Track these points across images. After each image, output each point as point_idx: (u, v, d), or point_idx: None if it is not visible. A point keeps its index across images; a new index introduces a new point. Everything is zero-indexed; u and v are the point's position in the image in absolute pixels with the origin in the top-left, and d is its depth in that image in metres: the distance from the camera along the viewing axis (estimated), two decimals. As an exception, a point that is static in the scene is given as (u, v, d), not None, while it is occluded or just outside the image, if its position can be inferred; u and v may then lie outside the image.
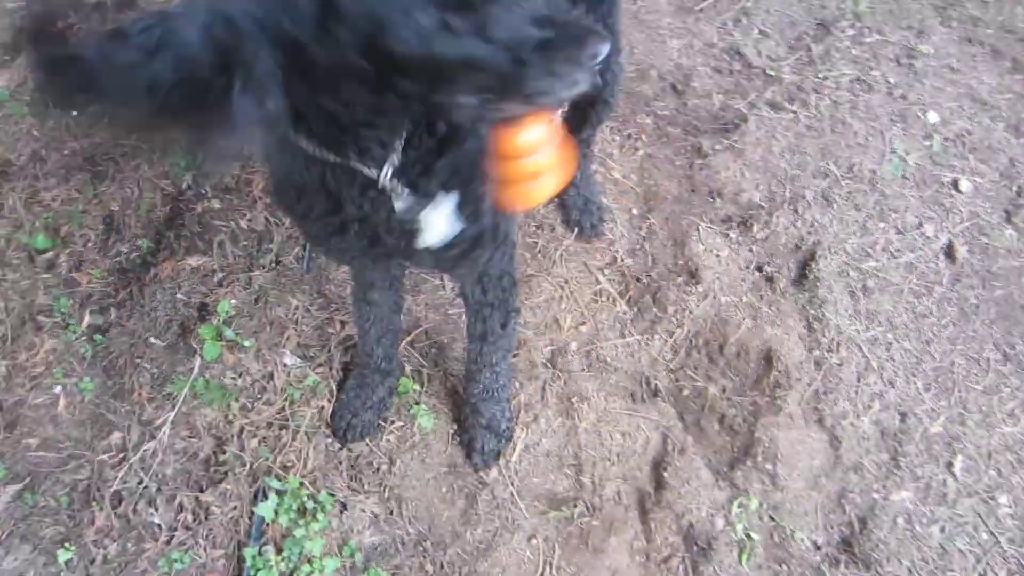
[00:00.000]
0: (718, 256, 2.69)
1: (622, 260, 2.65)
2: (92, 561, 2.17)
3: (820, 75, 3.33)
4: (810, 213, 2.82)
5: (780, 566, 2.09)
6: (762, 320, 2.52)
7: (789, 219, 2.79)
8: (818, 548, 2.14)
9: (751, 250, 2.71)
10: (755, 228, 2.76)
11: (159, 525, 2.20)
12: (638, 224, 2.77)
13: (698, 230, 2.74)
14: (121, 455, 2.31)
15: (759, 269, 2.67)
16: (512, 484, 2.19)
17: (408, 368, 2.34)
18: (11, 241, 2.78)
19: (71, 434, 2.37)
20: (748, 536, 2.12)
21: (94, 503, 2.24)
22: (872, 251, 2.73)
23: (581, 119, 2.34)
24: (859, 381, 2.40)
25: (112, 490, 2.25)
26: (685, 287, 2.56)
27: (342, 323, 2.44)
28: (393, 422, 2.27)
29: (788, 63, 3.42)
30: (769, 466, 2.21)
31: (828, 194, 2.89)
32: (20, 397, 2.44)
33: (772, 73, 3.36)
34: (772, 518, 2.17)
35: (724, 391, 2.36)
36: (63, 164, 3.03)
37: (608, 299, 2.54)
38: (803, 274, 2.64)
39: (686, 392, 2.38)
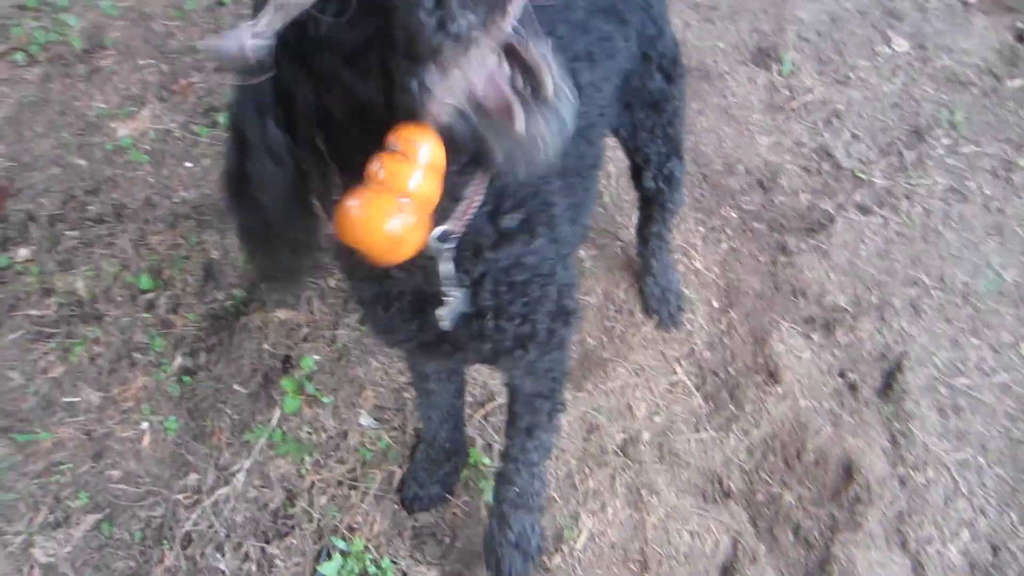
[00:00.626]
0: (799, 358, 2.60)
1: (700, 352, 2.58)
2: (156, 601, 2.16)
3: (912, 182, 3.25)
4: (898, 322, 2.71)
5: None
6: (843, 429, 2.41)
7: (875, 326, 2.69)
8: None
9: (833, 354, 2.62)
10: (838, 332, 2.67)
11: (224, 572, 2.19)
12: (718, 317, 2.71)
13: (779, 329, 2.66)
14: (196, 497, 2.32)
15: (841, 375, 2.57)
16: (574, 573, 2.11)
17: (480, 441, 2.31)
18: (118, 279, 2.88)
19: (151, 470, 2.40)
20: (818, 657, 1.98)
21: (165, 542, 2.25)
22: (964, 368, 2.60)
23: (646, 219, 2.43)
24: (947, 505, 2.26)
25: (183, 531, 2.26)
26: (764, 386, 2.48)
27: (420, 390, 2.43)
28: (461, 496, 2.23)
29: (879, 167, 3.35)
30: (845, 585, 2.08)
31: (917, 304, 2.78)
32: (109, 429, 2.49)
33: (862, 176, 3.30)
34: (845, 641, 2.03)
35: (800, 500, 2.25)
36: (172, 211, 3.15)
37: (684, 391, 2.48)
38: (888, 385, 2.52)
39: (760, 496, 2.27)
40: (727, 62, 3.85)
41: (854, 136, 3.53)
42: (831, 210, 3.14)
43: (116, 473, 2.40)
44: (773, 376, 2.51)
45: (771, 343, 2.61)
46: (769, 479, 2.30)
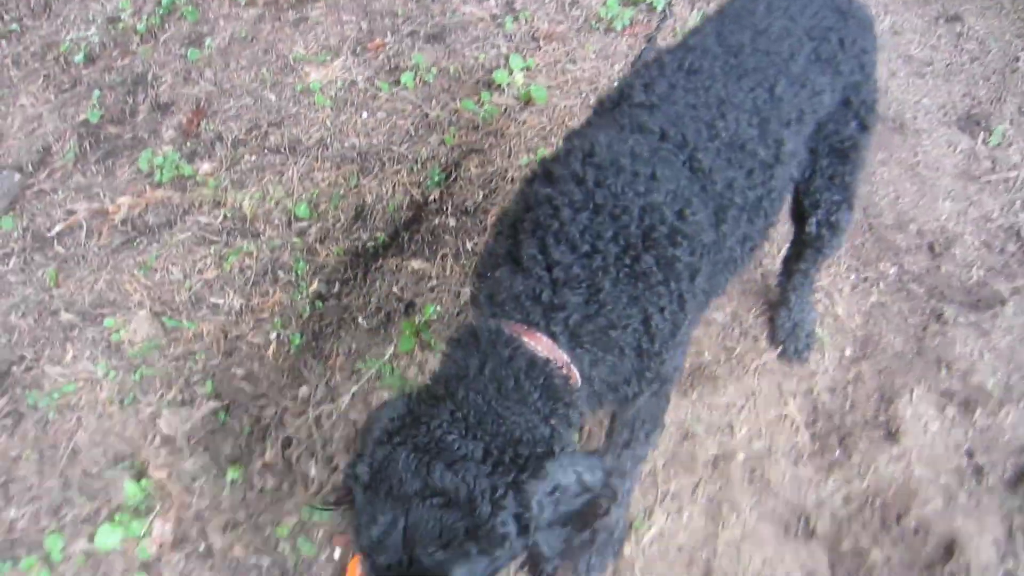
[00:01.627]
0: (926, 427, 2.62)
1: (819, 394, 2.66)
2: (252, 488, 2.50)
3: (1107, 280, 3.16)
4: (1048, 419, 2.67)
5: None
6: (955, 507, 2.42)
7: (1021, 418, 2.67)
8: None
9: (965, 434, 2.62)
10: (977, 413, 2.66)
11: (313, 478, 2.50)
12: (848, 366, 2.78)
13: (912, 393, 2.69)
14: (303, 408, 2.66)
15: (969, 455, 2.57)
16: (637, 563, 2.26)
17: (574, 418, 2.50)
18: (279, 204, 3.31)
19: (270, 376, 2.76)
20: None
21: (268, 440, 2.59)
22: (1111, 481, 2.53)
23: (796, 255, 2.52)
24: (1051, 610, 2.23)
25: (286, 434, 2.59)
26: (880, 443, 2.52)
27: (527, 358, 2.66)
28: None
29: (1072, 260, 3.28)
30: (914, 656, 2.11)
31: (1077, 408, 2.72)
32: (242, 332, 2.89)
33: (1051, 265, 3.23)
34: None
35: (888, 560, 2.29)
36: (341, 154, 3.57)
37: (791, 426, 2.57)
38: (1020, 478, 2.50)
39: (845, 546, 2.33)
40: (927, 120, 3.87)
41: (1053, 223, 3.46)
42: (1004, 292, 3.11)
43: (240, 371, 2.78)
44: (892, 436, 2.55)
45: (899, 405, 2.64)
46: (860, 532, 2.35)
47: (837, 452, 2.51)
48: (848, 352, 2.84)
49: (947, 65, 4.18)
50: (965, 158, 3.71)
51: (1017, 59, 4.14)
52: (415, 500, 1.26)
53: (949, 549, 2.32)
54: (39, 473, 2.52)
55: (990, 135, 3.79)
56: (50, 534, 2.38)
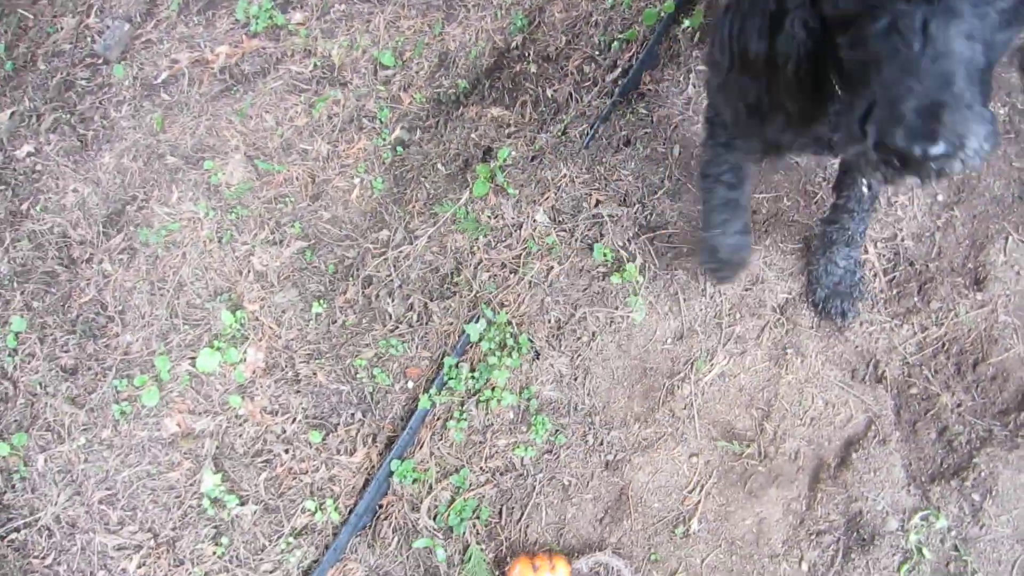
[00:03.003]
0: (1019, 274, 2.38)
1: (902, 240, 2.45)
2: (334, 322, 2.56)
3: None
4: None
5: (941, 595, 1.92)
6: (1040, 355, 2.22)
7: None
8: (996, 601, 1.92)
9: (1062, 282, 2.37)
10: (1079, 261, 2.39)
11: (390, 314, 2.53)
12: (938, 212, 2.53)
13: (1006, 239, 2.44)
14: (383, 250, 2.66)
15: (1063, 304, 2.33)
16: (696, 402, 2.21)
17: (639, 260, 2.41)
18: (366, 52, 3.22)
19: (353, 219, 2.77)
20: (919, 550, 1.96)
21: (350, 278, 2.62)
22: None
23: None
24: None
25: (366, 273, 2.61)
26: (962, 289, 2.32)
27: (598, 201, 2.56)
28: (611, 303, 2.37)
29: None
30: (976, 496, 2.00)
31: None
32: (328, 177, 2.89)
33: None
34: (956, 548, 1.97)
35: (959, 406, 2.15)
36: (426, 1, 3.40)
37: (870, 271, 2.39)
38: (1118, 327, 2.26)
39: (914, 391, 2.19)
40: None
41: None
42: None
43: (326, 214, 2.80)
44: (978, 283, 2.34)
45: (990, 251, 2.41)
46: (931, 378, 2.20)
47: (915, 299, 2.33)
48: (940, 198, 2.58)
49: None
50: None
51: None
52: None
53: (1027, 397, 2.15)
54: (150, 303, 2.65)
55: None
56: (159, 356, 2.53)
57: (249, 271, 2.66)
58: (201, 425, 2.44)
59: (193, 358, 2.50)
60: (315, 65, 3.23)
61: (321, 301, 2.55)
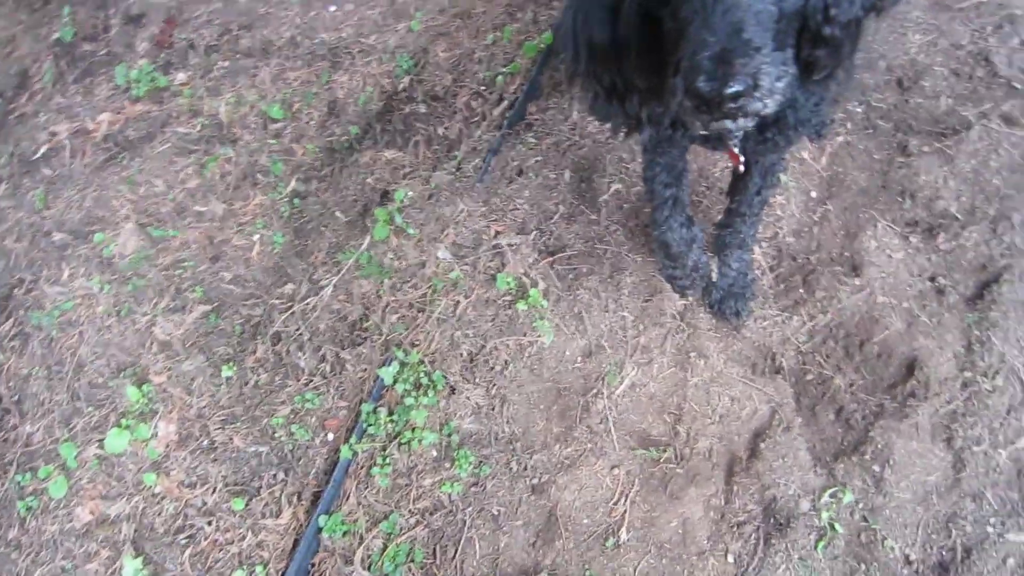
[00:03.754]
0: (890, 257, 2.56)
1: (784, 237, 2.60)
2: (246, 383, 2.53)
3: (1075, 96, 3.00)
4: (1011, 236, 2.59)
5: (859, 564, 2.02)
6: (917, 329, 2.38)
7: (983, 236, 2.59)
8: (909, 562, 2.04)
9: (929, 259, 2.56)
10: (940, 238, 2.59)
11: (303, 368, 2.52)
12: (813, 208, 2.70)
13: (875, 226, 2.62)
14: (289, 303, 2.66)
15: (932, 279, 2.51)
16: (611, 415, 2.28)
17: (541, 285, 2.47)
18: (254, 107, 3.22)
19: (256, 277, 2.75)
20: (832, 526, 2.06)
21: (259, 337, 2.60)
22: (1072, 290, 2.47)
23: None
24: (1008, 414, 2.22)
25: (274, 330, 2.60)
26: (842, 277, 2.47)
27: (497, 232, 2.62)
28: (518, 331, 2.42)
29: (1041, 78, 3.10)
30: (876, 468, 2.13)
31: (1040, 221, 2.63)
32: (227, 237, 2.87)
33: (1018, 86, 3.07)
34: (865, 518, 2.09)
35: (851, 386, 2.28)
36: (311, 51, 3.44)
37: (757, 270, 2.52)
38: (980, 294, 2.45)
39: (810, 377, 2.32)
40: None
41: (1023, 44, 3.26)
42: (971, 117, 2.97)
43: (228, 275, 2.77)
44: (855, 270, 2.50)
45: (863, 238, 2.58)
46: (824, 363, 2.33)
47: (801, 290, 2.47)
48: (814, 194, 2.75)
49: None
50: (935, -13, 3.47)
51: None
52: None
53: (910, 368, 2.31)
54: (48, 388, 2.57)
55: (962, -40, 3.53)
56: (64, 443, 2.44)
57: (152, 342, 2.61)
58: (116, 509, 2.35)
59: (101, 440, 2.42)
60: (203, 124, 3.21)
61: (230, 364, 2.52)
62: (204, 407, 2.47)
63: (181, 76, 3.42)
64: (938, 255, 2.56)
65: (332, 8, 3.59)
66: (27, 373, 2.60)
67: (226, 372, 2.50)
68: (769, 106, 1.22)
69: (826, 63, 1.42)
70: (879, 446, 2.14)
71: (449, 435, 2.29)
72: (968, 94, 3.08)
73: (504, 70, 3.08)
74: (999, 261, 2.51)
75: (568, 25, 1.49)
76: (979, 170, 2.77)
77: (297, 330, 2.57)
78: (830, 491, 2.12)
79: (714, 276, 2.36)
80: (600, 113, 1.69)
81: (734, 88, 1.16)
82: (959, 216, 2.65)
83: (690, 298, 2.39)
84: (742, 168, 1.96)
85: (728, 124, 1.27)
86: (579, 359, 2.39)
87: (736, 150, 1.81)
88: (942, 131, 2.94)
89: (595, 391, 2.32)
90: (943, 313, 2.41)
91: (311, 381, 2.48)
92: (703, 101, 1.20)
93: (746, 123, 1.29)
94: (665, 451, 2.21)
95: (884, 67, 3.17)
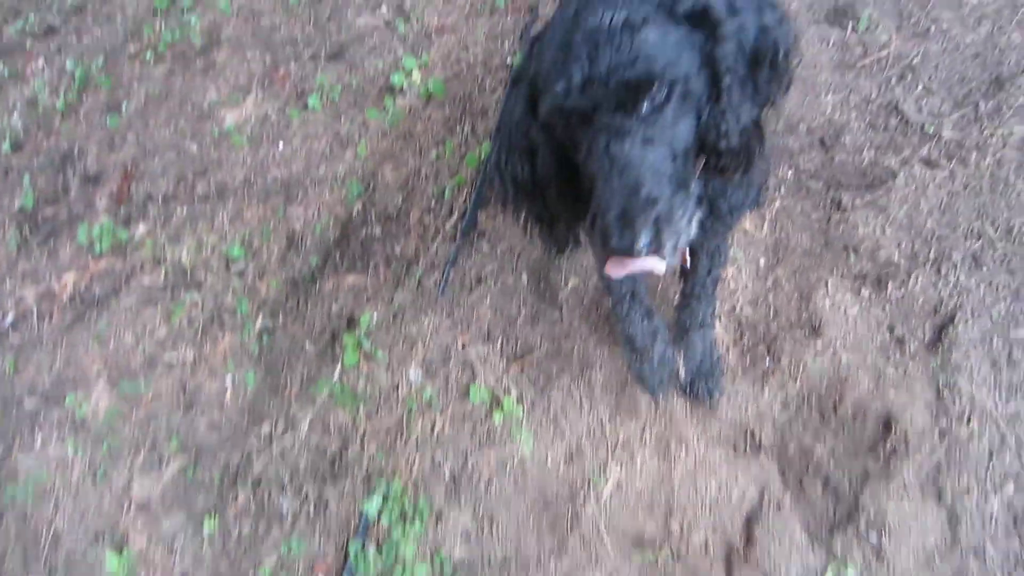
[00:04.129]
0: (845, 313, 2.43)
1: (741, 309, 2.46)
2: (229, 536, 2.30)
3: (985, 132, 2.94)
4: (955, 275, 2.48)
5: (873, 645, 1.82)
6: (885, 383, 2.24)
7: (930, 280, 2.47)
8: (922, 633, 1.84)
9: (883, 309, 2.43)
10: (890, 287, 2.47)
11: (286, 513, 2.30)
12: (764, 275, 2.57)
13: (827, 285, 2.49)
14: (267, 444, 2.45)
15: (890, 330, 2.38)
16: (601, 520, 2.08)
17: (514, 392, 2.30)
18: (215, 250, 3.06)
19: (232, 419, 2.54)
20: (840, 608, 1.87)
21: (239, 484, 2.38)
22: (1023, 319, 2.35)
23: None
24: (991, 458, 2.07)
25: (255, 475, 2.38)
26: (804, 340, 2.33)
27: (463, 344, 2.45)
28: (495, 445, 2.23)
29: (950, 120, 3.05)
30: (874, 537, 1.95)
31: (979, 256, 2.53)
32: (199, 383, 2.66)
33: (931, 130, 3.01)
34: (871, 593, 1.90)
35: (832, 452, 2.11)
36: (264, 188, 3.30)
37: (721, 346, 2.37)
38: (938, 338, 2.32)
39: (791, 449, 2.15)
40: (799, 22, 3.60)
41: (927, 90, 3.23)
42: (894, 166, 2.89)
43: (203, 421, 2.57)
44: (816, 331, 2.36)
45: (816, 299, 2.45)
46: (802, 432, 2.17)
47: (767, 360, 2.32)
48: (762, 262, 2.63)
49: (806, -36, 3.89)
50: (838, 50, 3.46)
51: (867, -57, 3.85)
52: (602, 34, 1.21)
53: (887, 424, 2.15)
54: (24, 566, 2.31)
55: (858, 22, 3.53)
56: (47, 625, 2.19)
57: (130, 504, 2.37)
58: None
59: (86, 617, 2.17)
60: (167, 272, 3.04)
61: (212, 517, 2.29)
62: (188, 567, 2.23)
63: (141, 228, 3.27)
64: (891, 304, 2.43)
65: (281, 145, 3.48)
66: (2, 551, 2.35)
67: (208, 527, 2.27)
68: (682, 242, 1.23)
69: (736, 166, 1.41)
70: (872, 513, 1.96)
71: (441, 563, 2.08)
72: (887, 144, 3.02)
73: (451, 183, 2.96)
74: (949, 302, 2.39)
75: (494, 160, 1.47)
76: (912, 215, 2.68)
77: (277, 472, 2.36)
78: (832, 568, 1.92)
79: (680, 369, 2.20)
80: (532, 236, 1.61)
81: (641, 244, 1.18)
82: (903, 263, 2.54)
83: (661, 397, 2.23)
84: (688, 264, 1.87)
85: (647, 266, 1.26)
86: (561, 464, 2.20)
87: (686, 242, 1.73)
88: (870, 183, 2.86)
89: (582, 497, 2.13)
90: (907, 363, 2.27)
91: (295, 525, 2.26)
92: (617, 254, 1.22)
93: (669, 260, 1.26)
94: (661, 550, 2.02)
95: (804, 130, 3.11)
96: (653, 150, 1.23)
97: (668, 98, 1.24)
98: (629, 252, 1.20)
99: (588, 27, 1.22)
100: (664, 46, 1.22)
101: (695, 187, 1.34)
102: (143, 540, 2.29)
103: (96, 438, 2.54)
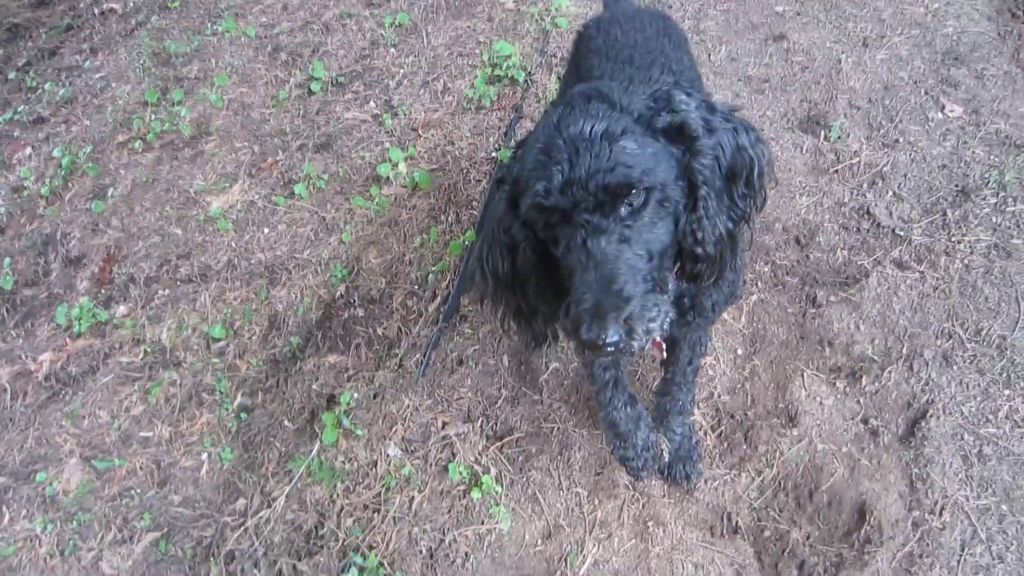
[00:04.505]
0: (821, 404, 2.63)
1: (719, 396, 2.66)
2: (200, 612, 2.38)
3: (954, 239, 3.26)
4: (927, 372, 2.71)
5: None
6: (860, 473, 2.42)
7: (903, 376, 2.70)
8: None
9: (858, 402, 2.64)
10: (864, 381, 2.69)
11: (259, 587, 2.39)
12: (741, 364, 2.79)
13: (803, 376, 2.71)
14: (242, 519, 2.56)
15: (864, 422, 2.58)
16: (578, 598, 2.20)
17: (493, 471, 2.45)
18: (196, 330, 3.24)
19: (206, 496, 2.66)
20: None
21: (212, 559, 2.47)
22: (993, 418, 2.56)
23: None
24: (963, 550, 2.23)
25: (227, 549, 2.48)
26: (780, 429, 2.52)
27: (444, 423, 2.62)
28: (473, 522, 2.36)
29: (920, 225, 3.37)
30: (848, 623, 2.08)
31: (949, 355, 2.77)
32: (174, 459, 2.79)
33: (901, 234, 3.33)
34: None
35: (808, 538, 2.27)
36: (248, 271, 3.52)
37: (699, 431, 2.55)
38: (911, 431, 2.52)
39: (767, 534, 2.30)
40: (773, 130, 3.99)
41: (897, 196, 3.57)
42: (867, 265, 3.18)
43: (176, 498, 2.67)
44: (792, 420, 2.56)
45: (793, 389, 2.66)
46: (778, 518, 2.33)
47: (744, 447, 2.50)
48: (740, 352, 2.85)
49: (782, 78, 4.33)
50: (812, 155, 3.82)
51: (839, 61, 4.32)
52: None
53: (861, 513, 2.31)
54: (-14, 644, 2.37)
55: (829, 131, 3.92)
56: None
57: (98, 579, 2.46)
58: None
59: None
60: (145, 352, 3.20)
61: (183, 593, 2.38)
62: (156, 645, 2.30)
63: (122, 309, 3.45)
64: (865, 397, 2.64)
65: (266, 230, 3.73)
66: (-38, 632, 2.40)
67: (178, 604, 2.35)
68: (651, 339, 1.35)
69: (709, 272, 1.57)
70: (846, 598, 2.10)
71: (416, 641, 2.17)
72: (859, 245, 3.32)
73: (434, 268, 3.20)
74: (922, 397, 2.60)
75: (477, 254, 1.63)
76: (885, 313, 2.93)
77: (251, 546, 2.46)
78: (808, 651, 2.04)
79: (664, 453, 2.37)
80: (511, 330, 1.78)
81: (610, 339, 1.29)
82: (876, 358, 2.77)
83: (644, 480, 2.39)
84: (664, 356, 2.07)
85: (611, 359, 1.40)
86: (539, 542, 2.33)
87: (658, 338, 1.91)
88: (844, 281, 3.13)
89: (559, 574, 2.25)
90: (881, 454, 2.46)
91: (268, 602, 2.35)
92: (586, 347, 1.32)
93: (638, 348, 1.38)
94: (638, 631, 2.13)
95: (780, 228, 3.41)
96: (629, 249, 1.37)
97: (646, 202, 1.39)
98: (596, 346, 1.29)
99: (569, 134, 1.38)
100: (642, 156, 1.38)
101: (673, 286, 1.50)
102: (109, 615, 2.36)
103: (66, 514, 2.63)
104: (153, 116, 4.54)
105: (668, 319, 1.37)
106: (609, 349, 1.29)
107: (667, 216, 1.43)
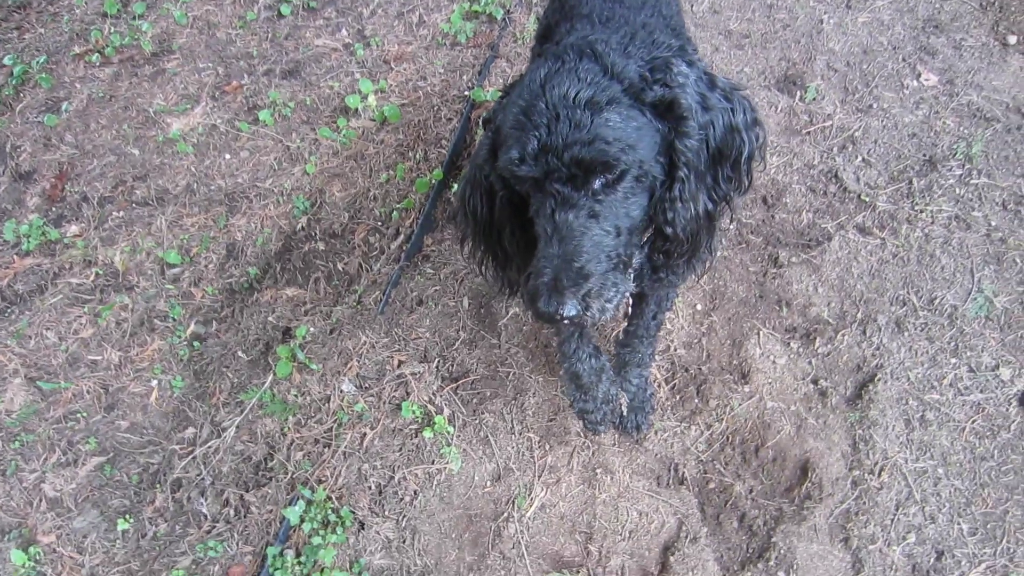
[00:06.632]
0: (774, 363, 2.68)
1: (676, 350, 2.69)
2: (144, 535, 2.38)
3: (917, 207, 3.29)
4: (879, 337, 2.76)
5: (773, 675, 2.01)
6: (806, 431, 2.47)
7: (855, 339, 2.75)
8: (820, 667, 2.04)
9: (810, 362, 2.69)
10: (818, 343, 2.73)
11: (205, 515, 2.39)
12: (700, 320, 2.81)
13: (759, 335, 2.74)
14: (190, 448, 2.55)
15: (814, 382, 2.63)
16: (522, 539, 2.24)
17: (447, 411, 2.46)
18: (150, 254, 3.17)
19: (155, 423, 2.63)
20: (745, 637, 2.05)
21: (158, 485, 2.47)
22: (938, 385, 2.63)
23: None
24: (897, 510, 2.31)
25: (174, 477, 2.47)
26: (732, 385, 2.56)
27: (400, 362, 2.61)
28: (426, 460, 2.38)
29: (886, 192, 3.40)
30: (782, 574, 2.15)
31: (902, 322, 2.83)
32: (123, 385, 2.75)
33: (867, 200, 3.35)
34: (776, 626, 2.09)
35: (751, 492, 2.33)
36: (207, 197, 3.44)
37: (655, 383, 2.58)
38: (858, 394, 2.58)
39: (712, 485, 2.36)
40: (750, 86, 3.96)
41: (866, 162, 3.59)
42: (830, 229, 3.21)
43: (124, 423, 2.65)
44: (744, 377, 2.60)
45: (747, 347, 2.69)
46: (723, 470, 2.38)
47: (696, 400, 2.54)
48: (699, 307, 2.88)
49: (762, 35, 4.28)
50: (786, 116, 3.81)
51: (821, 21, 4.28)
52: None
53: (804, 470, 2.38)
54: (-78, 559, 2.35)
55: (805, 92, 3.90)
56: (-60, 618, 2.22)
57: (41, 500, 2.43)
58: None
59: (-18, 612, 2.21)
60: (97, 274, 3.13)
61: (127, 516, 2.37)
62: (97, 565, 2.30)
63: (74, 228, 3.36)
64: (817, 358, 2.69)
65: (227, 156, 3.64)
66: None
67: (122, 525, 2.35)
68: (606, 315, 1.36)
69: (680, 253, 1.57)
70: (782, 551, 2.17)
71: (359, 573, 2.20)
72: (825, 208, 3.34)
73: (399, 206, 3.16)
74: (872, 361, 2.66)
75: (459, 194, 1.63)
76: (843, 277, 2.97)
77: (199, 475, 2.46)
78: (740, 600, 2.12)
79: (623, 406, 2.40)
80: (486, 275, 1.78)
81: (567, 313, 1.31)
82: (831, 321, 2.81)
83: (602, 434, 2.42)
84: (629, 310, 2.07)
85: (568, 328, 1.40)
86: (488, 483, 2.36)
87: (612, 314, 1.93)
88: (807, 243, 3.15)
89: (506, 515, 2.28)
90: (828, 414, 2.52)
91: (214, 527, 2.35)
92: (542, 318, 1.34)
93: (591, 323, 1.39)
94: (579, 572, 2.18)
95: (750, 188, 3.41)
96: (597, 224, 1.36)
97: (621, 177, 1.36)
98: (551, 319, 1.33)
99: (552, 96, 1.34)
100: (625, 130, 1.34)
101: (638, 260, 1.49)
102: (52, 536, 2.35)
103: (8, 435, 2.60)
104: (113, 29, 4.36)
105: (625, 297, 1.40)
106: (565, 323, 1.32)
107: (642, 192, 1.41)
